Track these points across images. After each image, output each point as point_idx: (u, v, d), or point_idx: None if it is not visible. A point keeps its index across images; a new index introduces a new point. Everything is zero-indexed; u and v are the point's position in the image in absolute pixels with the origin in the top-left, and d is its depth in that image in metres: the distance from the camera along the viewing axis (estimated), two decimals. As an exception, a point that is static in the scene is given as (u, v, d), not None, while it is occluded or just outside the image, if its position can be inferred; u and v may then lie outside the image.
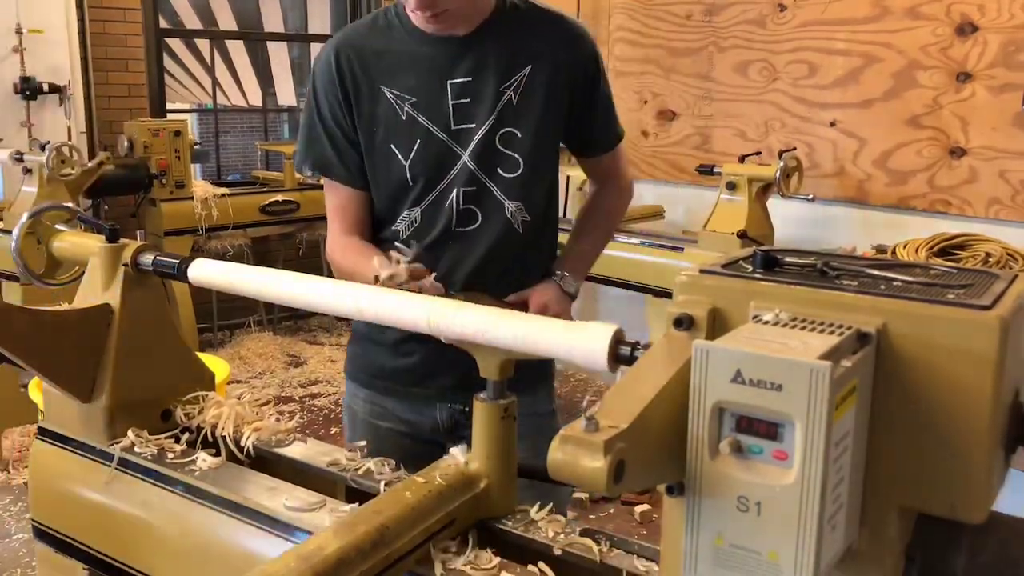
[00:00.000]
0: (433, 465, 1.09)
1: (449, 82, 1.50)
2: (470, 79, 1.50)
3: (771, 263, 0.74)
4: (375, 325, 1.54)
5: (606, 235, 1.78)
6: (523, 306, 1.50)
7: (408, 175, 1.51)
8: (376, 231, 1.59)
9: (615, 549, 1.02)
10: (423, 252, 1.42)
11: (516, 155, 1.51)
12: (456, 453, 1.11)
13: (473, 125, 1.50)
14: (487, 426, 1.08)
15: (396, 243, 1.42)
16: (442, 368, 1.53)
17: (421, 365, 1.56)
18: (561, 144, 1.62)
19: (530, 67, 1.51)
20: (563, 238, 1.70)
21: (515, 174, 1.52)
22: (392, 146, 1.51)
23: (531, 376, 1.55)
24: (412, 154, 1.50)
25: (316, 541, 0.91)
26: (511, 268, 1.55)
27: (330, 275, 1.41)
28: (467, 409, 1.34)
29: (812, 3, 3.75)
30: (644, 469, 0.61)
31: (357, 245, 1.55)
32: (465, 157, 1.50)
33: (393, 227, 1.55)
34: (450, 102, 1.50)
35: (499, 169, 1.51)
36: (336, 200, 1.58)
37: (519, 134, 1.51)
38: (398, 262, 1.31)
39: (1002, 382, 0.62)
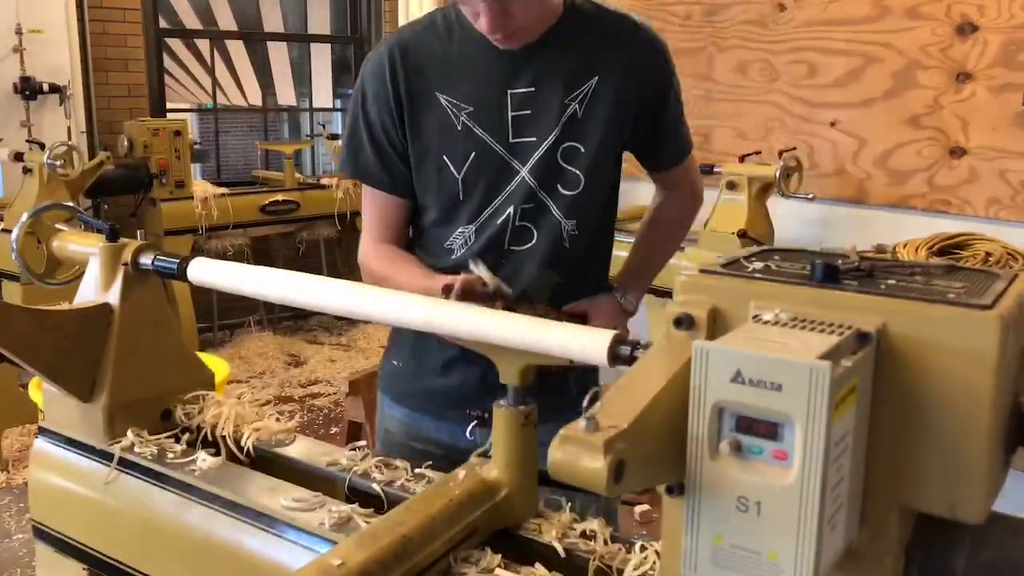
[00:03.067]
0: (453, 474, 1.07)
1: (510, 92, 1.42)
2: (532, 89, 1.42)
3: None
4: (419, 345, 1.51)
5: (673, 246, 1.69)
6: (580, 319, 1.42)
7: (461, 188, 1.44)
8: (423, 243, 1.53)
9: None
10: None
11: (577, 171, 1.44)
12: (476, 461, 1.09)
13: (534, 139, 1.42)
14: (507, 433, 1.05)
15: (470, 260, 1.30)
16: (483, 391, 1.37)
17: (461, 388, 1.48)
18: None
19: (597, 78, 1.43)
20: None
21: (575, 191, 1.45)
22: (445, 157, 1.44)
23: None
24: (466, 166, 1.43)
25: (338, 553, 0.89)
26: (563, 284, 1.46)
27: (332, 275, 1.40)
28: None
29: (812, 3, 3.75)
30: (644, 469, 0.61)
31: (394, 253, 1.50)
32: (524, 172, 1.43)
33: (446, 244, 1.48)
34: (510, 113, 1.42)
35: (559, 186, 1.44)
36: (375, 206, 1.52)
37: (582, 149, 1.44)
38: (482, 282, 1.22)
39: (1002, 382, 0.62)
